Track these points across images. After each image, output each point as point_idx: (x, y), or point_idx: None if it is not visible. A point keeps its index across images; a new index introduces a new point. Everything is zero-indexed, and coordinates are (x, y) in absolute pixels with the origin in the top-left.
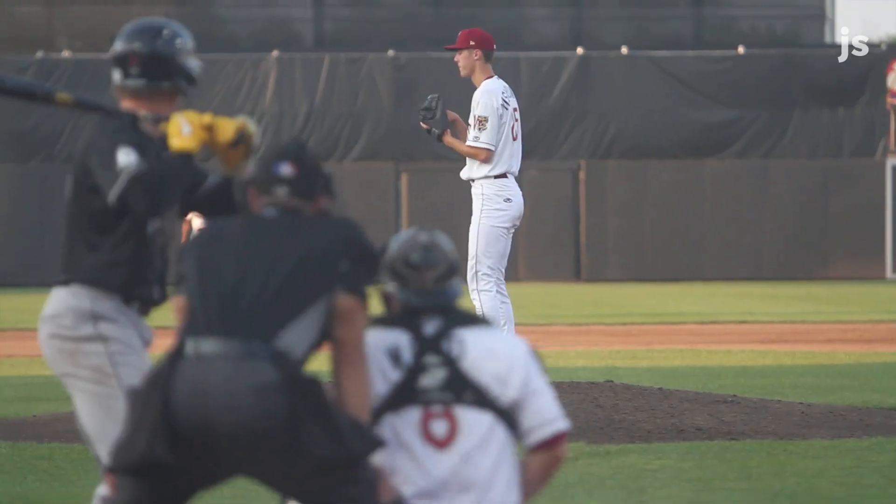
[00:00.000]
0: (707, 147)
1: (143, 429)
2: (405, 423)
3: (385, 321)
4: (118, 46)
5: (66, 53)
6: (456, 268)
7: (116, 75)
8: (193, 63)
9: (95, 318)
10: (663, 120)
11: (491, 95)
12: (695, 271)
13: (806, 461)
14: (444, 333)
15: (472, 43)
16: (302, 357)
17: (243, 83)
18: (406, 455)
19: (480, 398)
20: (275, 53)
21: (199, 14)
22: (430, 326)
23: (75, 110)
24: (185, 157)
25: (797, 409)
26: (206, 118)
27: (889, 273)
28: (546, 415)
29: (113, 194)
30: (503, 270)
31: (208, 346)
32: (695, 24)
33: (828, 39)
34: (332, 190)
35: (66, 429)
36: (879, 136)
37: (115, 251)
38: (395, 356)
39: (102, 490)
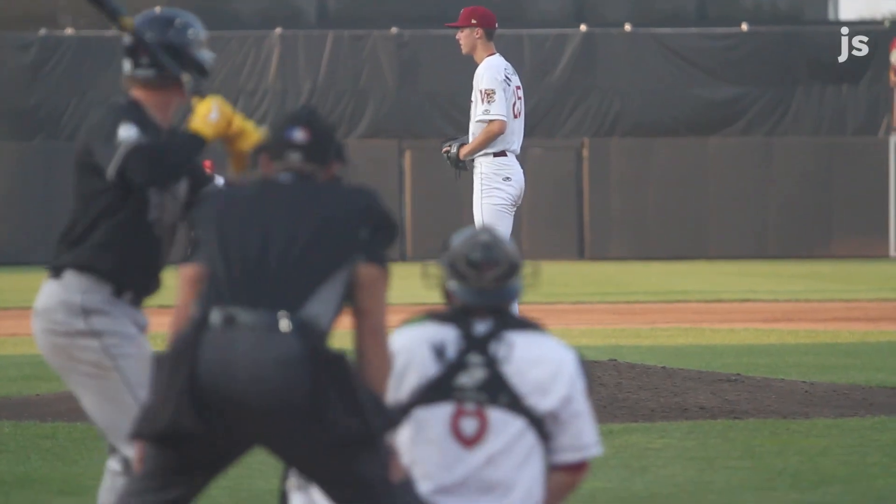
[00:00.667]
0: (710, 125)
1: (169, 397)
2: (436, 417)
3: (439, 317)
4: (128, 38)
5: (69, 31)
6: (517, 267)
7: (126, 65)
8: (206, 55)
9: (86, 312)
10: (666, 97)
11: (494, 69)
12: (698, 249)
13: (809, 440)
14: (494, 334)
15: (473, 21)
16: (327, 327)
17: (247, 60)
18: (431, 449)
19: (515, 403)
20: (278, 31)
21: None
22: (482, 326)
23: (132, 40)
24: (197, 138)
25: (800, 387)
26: (237, 118)
27: (893, 251)
28: (582, 439)
29: (111, 168)
30: None
31: (234, 315)
32: (698, 1)
33: (831, 16)
34: (345, 156)
35: (69, 408)
36: (883, 114)
37: (111, 235)
38: (439, 351)
39: (113, 464)
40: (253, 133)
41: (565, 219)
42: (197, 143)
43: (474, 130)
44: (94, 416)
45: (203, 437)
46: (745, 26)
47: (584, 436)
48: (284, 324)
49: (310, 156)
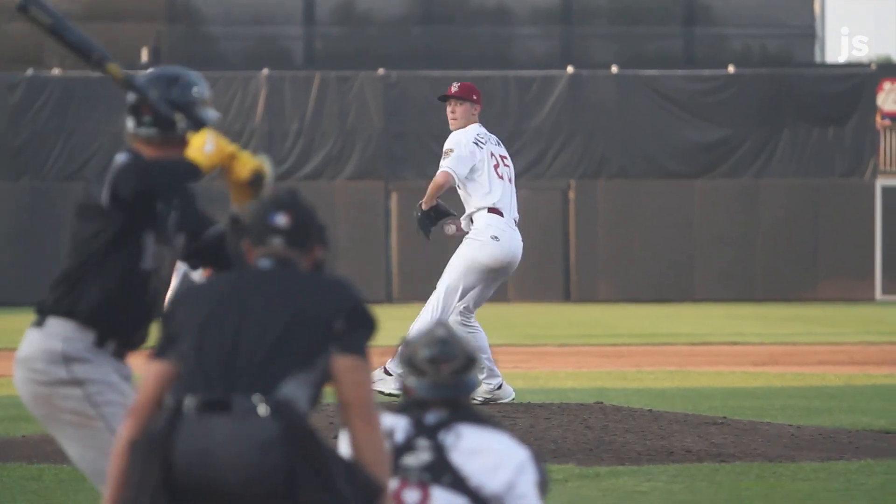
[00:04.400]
0: (697, 167)
1: (143, 489)
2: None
3: (392, 408)
4: (132, 96)
5: (55, 71)
6: (473, 361)
7: (130, 122)
8: (210, 113)
9: (67, 360)
10: (653, 139)
11: (462, 134)
12: (685, 292)
13: (796, 483)
14: (444, 424)
15: (474, 97)
16: (304, 409)
17: (233, 101)
18: None
19: (459, 483)
20: (265, 72)
21: (189, 32)
22: (433, 416)
23: (120, 86)
24: (192, 165)
25: (787, 431)
26: (232, 148)
27: (879, 294)
28: None
29: (104, 192)
30: (471, 308)
31: (209, 401)
32: (685, 44)
33: (818, 59)
34: (327, 240)
35: (55, 449)
36: (869, 157)
37: (99, 281)
38: (387, 434)
39: None
40: (249, 160)
41: (551, 261)
42: (191, 168)
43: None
44: (79, 464)
45: None
46: (731, 68)
47: None
48: (262, 408)
49: (292, 241)
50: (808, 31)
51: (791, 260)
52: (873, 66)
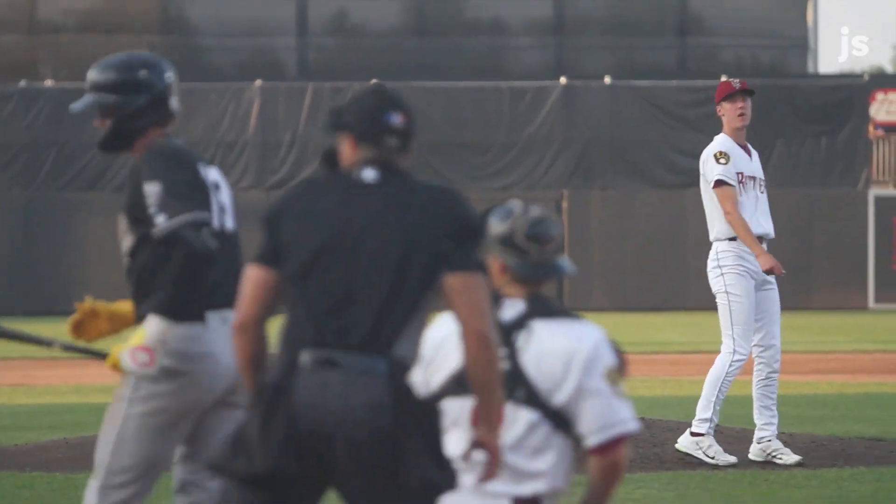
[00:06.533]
0: (690, 177)
1: (267, 440)
2: (461, 408)
3: None
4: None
5: (49, 82)
6: (563, 243)
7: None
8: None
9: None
10: (646, 150)
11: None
12: (678, 300)
13: (788, 490)
14: (521, 323)
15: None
16: (412, 363)
17: (226, 112)
18: (454, 436)
19: (532, 398)
20: (258, 83)
21: (182, 43)
22: (510, 311)
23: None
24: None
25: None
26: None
27: (872, 303)
28: (605, 419)
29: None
30: None
31: (326, 358)
32: (679, 54)
33: (811, 69)
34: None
35: (47, 458)
36: (862, 166)
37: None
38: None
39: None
40: (98, 326)
41: None
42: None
43: None
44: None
45: (295, 479)
46: (724, 79)
47: (606, 416)
48: (378, 368)
49: (405, 143)
50: (800, 42)
51: (784, 268)
52: (866, 77)
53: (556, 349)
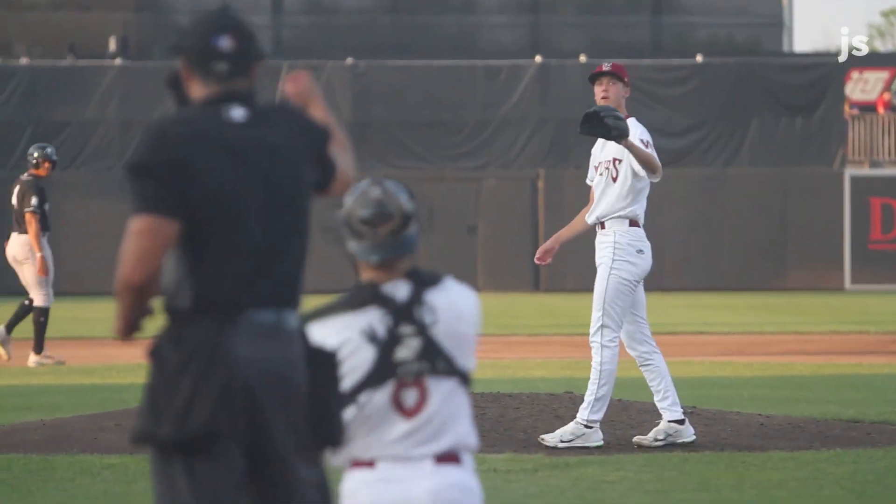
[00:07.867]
0: (665, 156)
1: (200, 397)
2: (379, 396)
3: (353, 304)
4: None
5: (23, 60)
6: (410, 217)
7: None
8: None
9: None
10: None
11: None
12: (653, 281)
13: (765, 472)
14: (415, 299)
15: (626, 80)
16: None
17: None
18: (367, 426)
19: (450, 366)
20: None
21: (156, 21)
22: (401, 292)
23: None
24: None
25: (755, 420)
26: None
27: (847, 284)
28: None
29: None
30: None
31: (248, 316)
32: (653, 33)
33: (786, 48)
34: (262, 52)
35: (24, 439)
36: (838, 146)
37: None
38: (370, 335)
39: None
40: None
41: (520, 250)
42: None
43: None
44: None
45: (223, 440)
46: (699, 58)
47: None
48: (293, 323)
49: (240, 69)
50: (775, 20)
51: (759, 249)
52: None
53: (462, 311)
